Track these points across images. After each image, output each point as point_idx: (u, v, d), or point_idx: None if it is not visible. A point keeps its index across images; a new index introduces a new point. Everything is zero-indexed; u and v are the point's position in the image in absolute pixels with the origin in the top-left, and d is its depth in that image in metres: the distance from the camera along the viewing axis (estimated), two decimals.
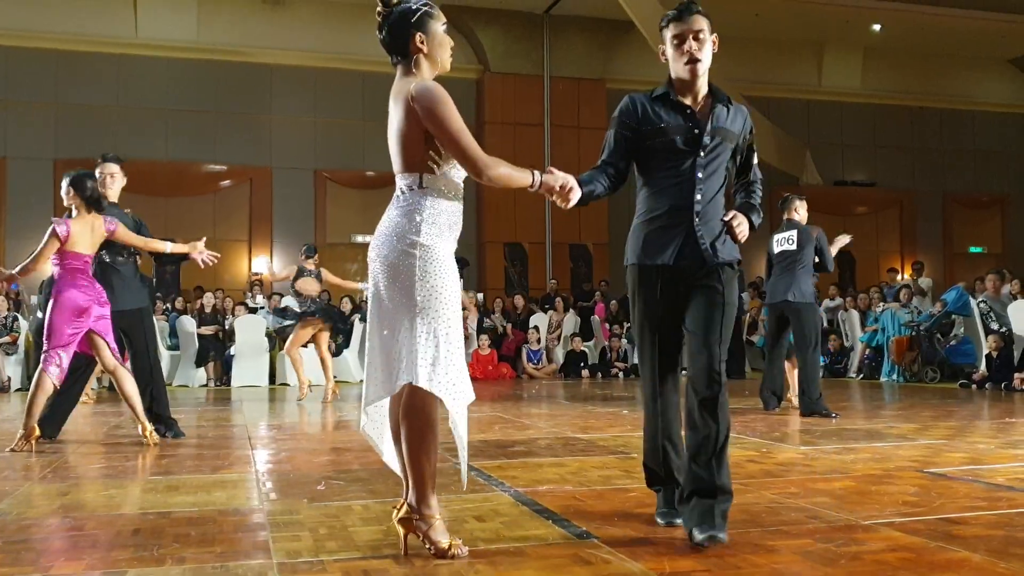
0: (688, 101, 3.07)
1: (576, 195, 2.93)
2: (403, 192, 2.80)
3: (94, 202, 5.53)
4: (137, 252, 5.97)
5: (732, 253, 3.09)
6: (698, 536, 2.77)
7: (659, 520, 3.17)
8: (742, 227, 3.08)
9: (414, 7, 2.80)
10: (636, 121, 3.09)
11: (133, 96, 15.27)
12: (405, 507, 2.76)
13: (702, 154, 3.03)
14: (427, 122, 2.70)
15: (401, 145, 2.79)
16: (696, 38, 3.02)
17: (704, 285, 3.02)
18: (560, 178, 2.89)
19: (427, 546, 2.71)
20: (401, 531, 2.76)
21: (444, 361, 2.69)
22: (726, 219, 3.07)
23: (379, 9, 2.81)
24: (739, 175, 3.27)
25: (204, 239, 5.98)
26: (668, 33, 3.07)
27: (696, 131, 3.04)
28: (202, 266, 5.91)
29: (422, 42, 2.80)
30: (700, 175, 3.03)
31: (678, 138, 3.03)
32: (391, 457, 2.94)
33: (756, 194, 3.27)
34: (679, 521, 3.03)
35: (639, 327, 3.14)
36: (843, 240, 7.92)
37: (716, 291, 3.02)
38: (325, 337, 9.65)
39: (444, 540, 2.71)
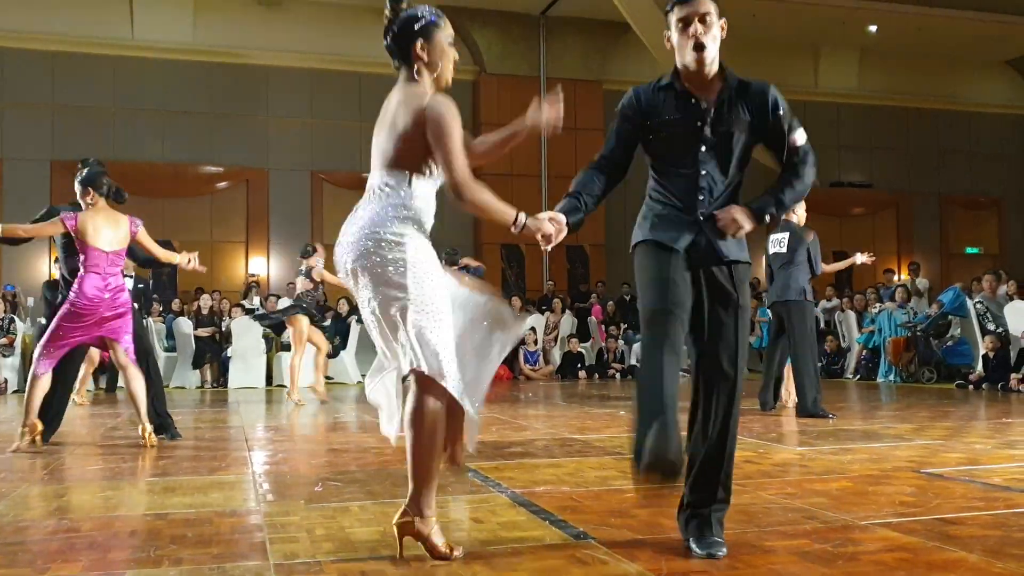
0: (694, 90, 2.90)
1: (561, 236, 2.86)
2: (384, 188, 2.77)
3: (115, 194, 5.54)
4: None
5: (742, 253, 2.90)
6: (698, 551, 2.73)
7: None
8: (725, 224, 2.82)
9: (419, 15, 2.81)
10: (637, 113, 2.94)
11: (129, 97, 15.26)
12: (403, 508, 2.76)
13: (703, 148, 2.86)
14: (430, 132, 2.71)
15: (399, 142, 2.77)
16: (703, 21, 2.83)
17: (719, 289, 2.84)
18: (545, 225, 2.81)
19: (425, 547, 2.71)
20: (398, 534, 2.76)
21: (444, 350, 2.70)
22: (717, 213, 2.85)
23: (386, 12, 2.82)
24: (782, 155, 2.94)
25: (196, 254, 6.06)
26: (673, 17, 2.90)
27: (699, 123, 2.86)
28: (185, 268, 6.02)
29: (423, 49, 2.79)
30: (703, 171, 2.86)
31: (679, 131, 2.87)
32: (389, 430, 2.92)
33: (798, 176, 2.91)
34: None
35: (646, 304, 2.81)
36: (861, 257, 8.08)
37: (731, 296, 2.85)
38: (296, 331, 9.43)
39: (441, 542, 2.71)
